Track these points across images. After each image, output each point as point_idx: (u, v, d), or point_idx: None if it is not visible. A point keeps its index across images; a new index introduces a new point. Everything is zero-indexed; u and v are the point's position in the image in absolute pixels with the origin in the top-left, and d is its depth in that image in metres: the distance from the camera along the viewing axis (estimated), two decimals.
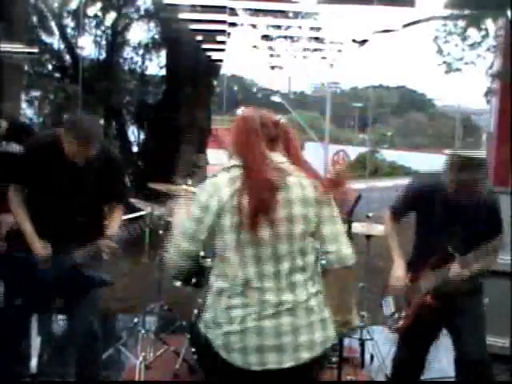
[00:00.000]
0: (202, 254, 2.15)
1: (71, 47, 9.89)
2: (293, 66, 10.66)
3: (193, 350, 3.49)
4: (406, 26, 8.65)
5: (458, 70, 11.07)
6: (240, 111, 2.20)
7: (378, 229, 4.24)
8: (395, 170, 25.23)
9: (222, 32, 8.59)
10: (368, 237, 4.41)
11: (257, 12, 8.67)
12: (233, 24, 8.50)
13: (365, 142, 23.77)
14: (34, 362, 3.59)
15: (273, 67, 10.43)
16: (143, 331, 4.03)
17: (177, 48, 9.00)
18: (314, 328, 2.06)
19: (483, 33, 10.20)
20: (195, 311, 3.49)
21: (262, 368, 2.00)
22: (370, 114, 19.52)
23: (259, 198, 1.98)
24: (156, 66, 10.39)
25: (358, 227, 4.17)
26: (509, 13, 6.62)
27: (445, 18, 9.85)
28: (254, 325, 2.00)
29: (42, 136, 3.15)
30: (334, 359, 3.86)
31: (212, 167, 8.84)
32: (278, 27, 9.71)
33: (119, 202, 3.16)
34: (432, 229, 3.00)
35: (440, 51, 11.30)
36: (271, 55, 10.07)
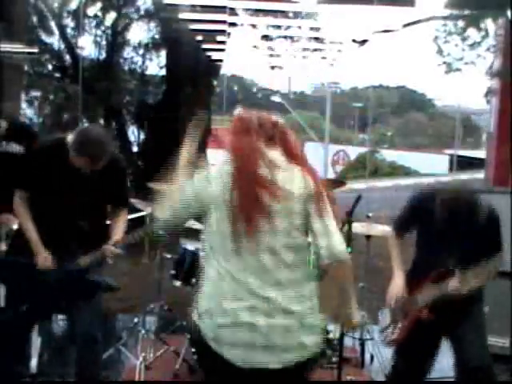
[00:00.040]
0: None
1: (71, 47, 9.90)
2: (293, 66, 10.67)
3: (193, 350, 3.49)
4: (405, 25, 8.66)
5: (458, 70, 11.09)
6: (237, 111, 2.24)
7: (377, 229, 4.24)
8: (395, 170, 25.27)
9: (222, 32, 8.60)
10: (368, 237, 4.41)
11: (257, 12, 8.68)
12: (233, 24, 8.50)
13: (365, 142, 23.81)
14: (34, 362, 3.59)
15: (273, 67, 10.45)
16: (143, 331, 4.03)
17: (177, 48, 9.00)
18: (304, 331, 2.06)
19: (483, 33, 10.22)
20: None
21: (250, 366, 2.03)
22: (370, 114, 19.56)
23: (246, 193, 2.04)
24: (156, 65, 10.43)
25: (358, 227, 4.17)
26: (509, 13, 6.62)
27: (445, 18, 9.87)
28: (244, 321, 2.02)
29: (50, 140, 3.13)
30: (334, 359, 3.86)
31: (212, 167, 8.83)
32: (278, 27, 9.72)
33: (124, 207, 3.16)
34: (432, 244, 3.00)
35: (440, 51, 11.32)
36: (271, 55, 10.08)
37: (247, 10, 8.41)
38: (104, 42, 10.02)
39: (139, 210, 4.05)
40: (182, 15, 8.35)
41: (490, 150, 6.88)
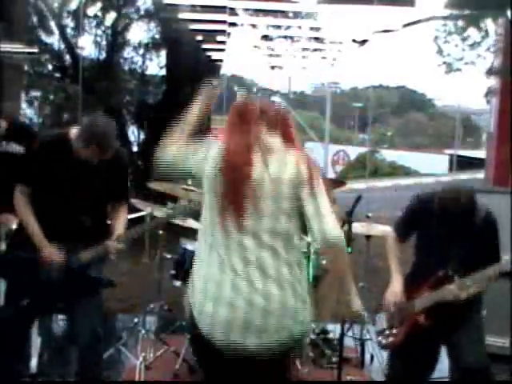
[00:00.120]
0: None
1: (71, 47, 9.89)
2: (293, 66, 10.67)
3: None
4: (405, 25, 8.66)
5: (458, 70, 11.09)
6: (239, 96, 2.29)
7: (377, 229, 4.24)
8: (395, 170, 25.27)
9: (222, 32, 8.60)
10: (368, 237, 4.41)
11: (257, 12, 8.69)
12: (233, 24, 8.51)
13: (365, 142, 23.81)
14: (34, 362, 3.59)
15: (273, 67, 10.44)
16: (143, 331, 4.02)
17: (177, 48, 9.00)
18: (285, 316, 2.08)
19: (483, 33, 10.22)
20: None
21: (229, 346, 2.07)
22: (370, 114, 19.56)
23: (232, 176, 2.09)
24: (156, 65, 10.42)
25: (358, 227, 4.17)
26: (509, 13, 6.62)
27: (445, 18, 9.87)
28: (226, 299, 2.06)
29: (51, 135, 3.13)
30: (334, 359, 3.87)
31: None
32: (278, 27, 9.72)
33: (125, 202, 3.16)
34: (431, 248, 3.00)
35: (440, 51, 11.32)
36: (271, 55, 10.08)
37: (247, 9, 8.41)
38: (104, 42, 10.02)
39: (139, 210, 4.05)
40: (182, 15, 8.36)
41: (490, 149, 6.89)
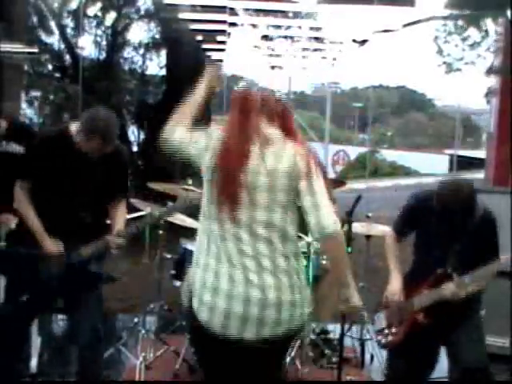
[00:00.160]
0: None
1: (71, 47, 9.89)
2: (293, 66, 10.67)
3: (193, 349, 3.49)
4: (405, 25, 8.66)
5: (458, 70, 11.09)
6: (240, 84, 2.28)
7: (377, 229, 4.24)
8: (395, 170, 25.27)
9: (222, 32, 8.60)
10: (368, 237, 4.42)
11: (257, 12, 8.68)
12: (233, 24, 8.51)
13: (365, 142, 23.78)
14: (34, 362, 3.59)
15: (273, 67, 10.44)
16: (143, 331, 4.03)
17: (177, 48, 8.99)
18: (284, 305, 2.09)
19: (483, 33, 10.22)
20: None
21: (226, 333, 2.08)
22: (369, 114, 19.52)
23: (226, 167, 2.11)
24: (156, 65, 10.41)
25: (358, 227, 4.17)
26: (509, 13, 6.62)
27: (445, 18, 9.87)
28: (223, 291, 2.08)
29: (51, 131, 3.14)
30: (334, 359, 3.87)
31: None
32: (278, 27, 9.72)
33: (124, 198, 3.16)
34: (429, 247, 3.00)
35: (440, 51, 11.32)
36: (271, 55, 10.08)
37: (247, 9, 8.41)
38: (104, 42, 10.02)
39: (139, 210, 4.05)
40: (182, 15, 8.37)
41: (490, 149, 6.89)
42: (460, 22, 10.56)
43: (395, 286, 3.06)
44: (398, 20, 8.53)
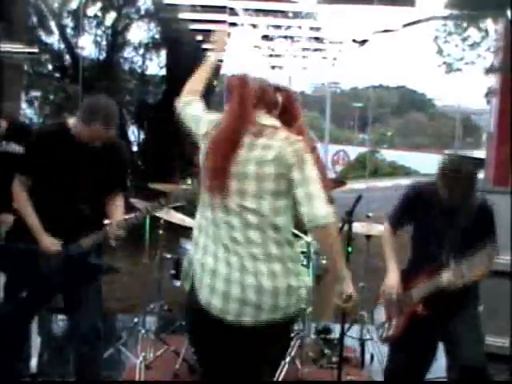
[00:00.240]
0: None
1: (71, 47, 9.89)
2: (293, 65, 10.66)
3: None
4: (405, 25, 8.65)
5: (458, 70, 11.08)
6: (239, 72, 2.31)
7: (377, 229, 4.24)
8: (395, 170, 25.24)
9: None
10: (368, 237, 4.42)
11: (257, 12, 8.67)
12: (233, 24, 8.50)
13: (365, 142, 23.77)
14: (34, 362, 3.59)
15: (273, 67, 10.43)
16: (143, 331, 4.03)
17: (177, 48, 9.00)
18: (279, 290, 2.11)
19: (483, 33, 10.21)
20: None
21: (224, 315, 2.12)
22: (369, 114, 19.51)
23: (214, 156, 2.15)
24: (156, 65, 10.41)
25: (358, 227, 4.18)
26: (509, 13, 6.61)
27: (445, 18, 9.86)
28: (222, 275, 2.13)
29: (49, 125, 3.16)
30: (334, 359, 3.87)
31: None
32: (278, 27, 9.70)
33: (122, 191, 3.16)
34: (426, 238, 3.00)
35: (440, 51, 11.31)
36: (271, 55, 10.08)
37: (247, 10, 8.41)
38: (104, 42, 10.01)
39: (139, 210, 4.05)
40: (182, 15, 8.36)
41: (490, 149, 6.88)
42: (460, 22, 10.56)
43: (393, 278, 3.06)
44: (398, 20, 8.52)
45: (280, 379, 3.53)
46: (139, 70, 10.40)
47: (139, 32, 10.30)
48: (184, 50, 8.68)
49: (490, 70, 8.48)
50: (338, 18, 8.84)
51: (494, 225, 2.97)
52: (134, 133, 10.27)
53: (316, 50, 10.24)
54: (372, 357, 4.21)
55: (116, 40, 10.09)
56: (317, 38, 9.90)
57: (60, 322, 4.43)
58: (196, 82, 2.51)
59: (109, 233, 2.94)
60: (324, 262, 3.92)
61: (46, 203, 2.91)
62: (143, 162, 9.79)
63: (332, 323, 4.29)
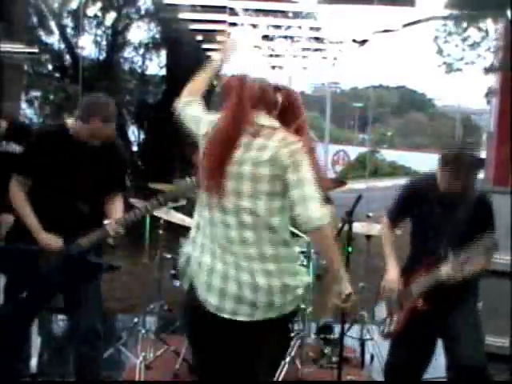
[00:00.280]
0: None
1: (71, 47, 9.88)
2: (293, 66, 10.66)
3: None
4: (405, 25, 8.65)
5: (458, 70, 11.09)
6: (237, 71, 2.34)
7: (377, 229, 4.24)
8: (395, 170, 25.23)
9: (222, 32, 8.58)
10: (368, 237, 4.42)
11: (257, 12, 8.67)
12: (233, 24, 8.50)
13: (365, 142, 23.79)
14: (34, 362, 3.59)
15: (273, 67, 10.43)
16: (143, 331, 4.03)
17: (177, 48, 8.99)
18: (273, 289, 2.12)
19: (483, 33, 10.22)
20: None
21: (219, 313, 2.14)
22: (369, 114, 19.52)
23: (210, 155, 2.16)
24: (156, 65, 10.41)
25: (357, 227, 4.18)
26: (509, 13, 6.61)
27: (445, 17, 9.86)
28: (220, 270, 2.15)
29: (48, 126, 3.17)
30: (334, 359, 3.87)
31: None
32: (278, 27, 9.70)
33: (121, 191, 3.16)
34: (425, 231, 3.00)
35: (440, 51, 11.32)
36: (271, 55, 10.07)
37: (247, 10, 8.40)
38: (104, 42, 10.01)
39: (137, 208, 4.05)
40: (182, 15, 8.35)
41: (490, 149, 6.87)
42: (460, 22, 10.56)
43: (393, 273, 3.06)
44: (398, 20, 8.51)
45: (280, 379, 3.53)
46: (139, 70, 10.40)
47: (139, 32, 10.31)
48: (184, 50, 8.67)
49: (489, 70, 8.48)
50: (338, 18, 8.84)
51: (493, 217, 2.97)
52: (133, 133, 10.27)
53: (316, 50, 10.23)
54: (372, 357, 4.21)
55: (116, 40, 10.09)
56: (317, 38, 9.89)
57: (60, 321, 4.43)
58: (197, 83, 2.52)
59: (108, 231, 2.94)
60: (324, 261, 3.92)
61: (44, 203, 2.91)
62: (143, 162, 9.79)
63: (332, 323, 4.29)
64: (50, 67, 10.29)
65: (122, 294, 5.32)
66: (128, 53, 10.26)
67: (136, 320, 4.23)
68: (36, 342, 3.65)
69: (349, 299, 2.15)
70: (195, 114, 2.37)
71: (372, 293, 4.10)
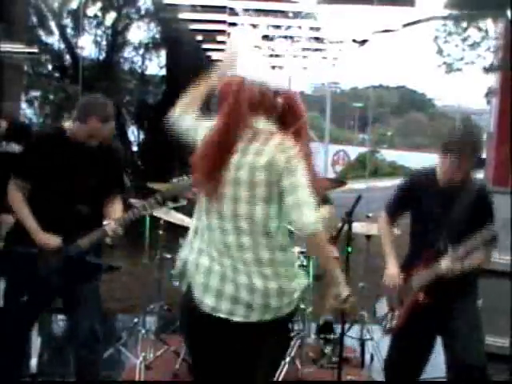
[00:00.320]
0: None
1: (71, 47, 9.89)
2: (293, 66, 10.66)
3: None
4: (405, 25, 8.65)
5: (458, 70, 11.09)
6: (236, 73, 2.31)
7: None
8: (395, 170, 25.22)
9: (222, 32, 8.59)
10: (368, 237, 4.42)
11: (257, 12, 8.67)
12: (233, 24, 8.50)
13: (365, 142, 23.78)
14: (34, 362, 3.59)
15: (273, 67, 10.43)
16: (143, 331, 4.03)
17: (177, 48, 9.00)
18: (270, 293, 2.12)
19: (483, 33, 10.22)
20: None
21: (215, 313, 2.13)
22: (369, 114, 19.51)
23: (205, 157, 2.15)
24: (156, 66, 10.41)
25: (357, 227, 4.17)
26: (509, 13, 6.61)
27: (445, 17, 9.86)
28: (218, 270, 2.14)
29: (45, 128, 3.17)
30: (334, 359, 3.87)
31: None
32: (278, 27, 9.70)
33: (120, 193, 3.16)
34: (424, 225, 3.00)
35: (440, 51, 11.31)
36: (271, 55, 10.07)
37: (247, 10, 8.41)
38: (104, 42, 10.02)
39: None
40: (182, 15, 8.36)
41: (490, 149, 6.87)
42: (460, 22, 10.56)
43: (392, 269, 3.07)
44: (398, 20, 8.52)
45: (280, 379, 3.53)
46: (139, 70, 10.41)
47: (139, 32, 10.32)
48: (184, 50, 8.68)
49: (489, 70, 8.48)
50: (338, 18, 8.85)
51: (492, 210, 2.97)
52: (133, 133, 10.27)
53: (316, 50, 10.24)
54: (372, 357, 4.21)
55: (116, 40, 10.09)
56: (317, 38, 9.90)
57: (60, 322, 4.42)
58: (193, 96, 2.44)
59: (107, 230, 2.94)
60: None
61: (43, 205, 2.91)
62: (143, 162, 9.79)
63: (332, 321, 4.29)
64: (50, 67, 10.29)
65: (122, 294, 5.32)
66: (128, 53, 10.28)
67: (136, 320, 4.23)
68: (36, 342, 3.65)
69: (347, 301, 2.15)
70: (192, 122, 2.34)
71: (372, 293, 4.11)
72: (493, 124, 7.08)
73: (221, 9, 8.06)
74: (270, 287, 2.12)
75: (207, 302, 2.15)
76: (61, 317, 4.39)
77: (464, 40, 10.68)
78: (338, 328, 3.93)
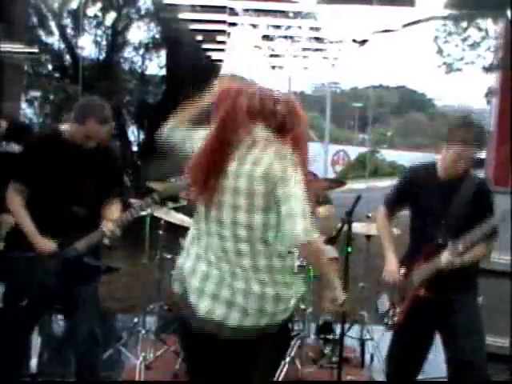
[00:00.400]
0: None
1: (71, 47, 9.89)
2: (293, 65, 10.66)
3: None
4: (405, 25, 8.65)
5: (458, 70, 11.09)
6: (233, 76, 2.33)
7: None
8: (395, 170, 25.21)
9: (222, 32, 8.60)
10: (368, 237, 4.42)
11: (257, 12, 8.68)
12: (233, 24, 8.50)
13: (365, 142, 23.78)
14: (34, 362, 3.59)
15: (273, 67, 10.43)
16: (143, 331, 4.03)
17: (177, 48, 8.99)
18: (266, 301, 2.12)
19: (483, 33, 10.22)
20: None
21: (210, 317, 2.12)
22: (369, 114, 19.51)
23: (199, 168, 2.15)
24: (156, 66, 10.41)
25: (358, 227, 4.17)
26: (509, 13, 6.61)
27: (445, 17, 9.86)
28: (216, 274, 2.14)
29: (43, 131, 3.16)
30: (334, 359, 3.87)
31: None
32: (278, 27, 9.70)
33: (118, 195, 3.16)
34: (424, 220, 3.00)
35: (440, 51, 11.31)
36: (271, 55, 10.08)
37: (247, 10, 8.41)
38: (104, 42, 10.02)
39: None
40: (182, 15, 8.36)
41: (490, 149, 6.87)
42: (460, 22, 10.56)
43: (392, 263, 3.06)
44: (398, 20, 8.53)
45: (280, 379, 3.53)
46: (139, 70, 10.41)
47: (139, 32, 10.32)
48: (184, 50, 8.68)
49: (489, 70, 8.49)
50: (338, 18, 8.85)
51: (492, 204, 2.97)
52: (133, 133, 10.27)
53: (316, 49, 10.24)
54: (372, 357, 4.21)
55: (116, 40, 10.09)
56: (317, 38, 9.90)
57: (60, 322, 4.42)
58: (188, 114, 2.42)
59: (104, 231, 2.94)
60: None
61: (41, 207, 2.91)
62: (143, 161, 9.79)
63: (332, 323, 4.29)
64: (50, 67, 10.30)
65: (122, 295, 5.31)
66: (128, 53, 10.29)
67: (136, 320, 4.23)
68: (36, 342, 3.65)
69: (343, 305, 2.15)
70: (186, 133, 2.33)
71: (372, 293, 4.11)
72: (493, 124, 7.08)
73: (221, 9, 8.07)
74: (266, 293, 2.12)
75: (202, 305, 2.14)
76: (61, 317, 4.38)
77: (464, 40, 10.68)
78: (337, 328, 3.93)
